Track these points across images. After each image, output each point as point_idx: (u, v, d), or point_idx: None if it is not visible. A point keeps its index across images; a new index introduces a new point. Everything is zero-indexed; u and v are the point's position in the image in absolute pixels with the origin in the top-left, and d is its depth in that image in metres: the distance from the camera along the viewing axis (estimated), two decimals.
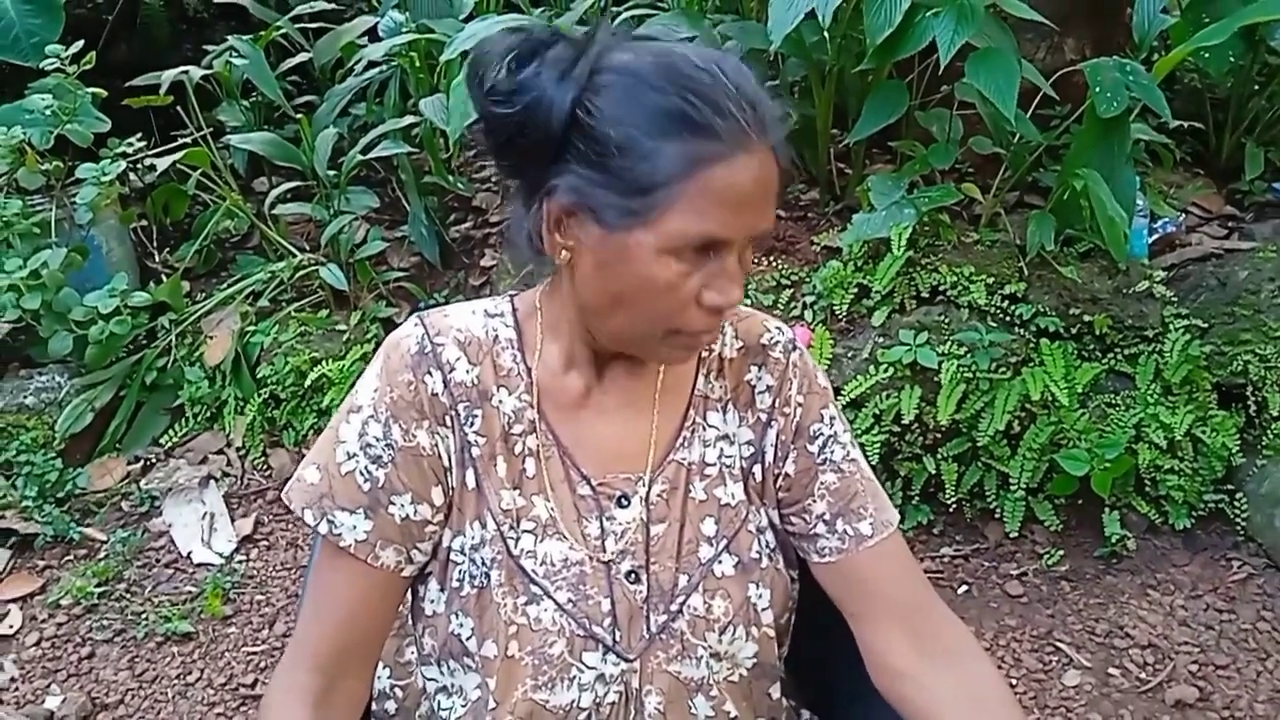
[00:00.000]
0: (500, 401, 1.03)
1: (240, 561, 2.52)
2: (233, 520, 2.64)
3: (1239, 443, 2.36)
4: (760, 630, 1.06)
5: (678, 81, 0.87)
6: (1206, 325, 2.40)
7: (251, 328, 2.96)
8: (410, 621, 1.11)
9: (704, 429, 1.09)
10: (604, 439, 1.06)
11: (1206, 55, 2.48)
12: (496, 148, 0.95)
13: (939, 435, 2.42)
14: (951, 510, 2.49)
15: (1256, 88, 2.93)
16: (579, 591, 1.01)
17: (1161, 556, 2.41)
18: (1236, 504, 2.39)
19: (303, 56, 3.47)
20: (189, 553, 2.54)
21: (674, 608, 1.03)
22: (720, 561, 1.06)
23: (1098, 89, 2.29)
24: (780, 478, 1.10)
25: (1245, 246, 2.53)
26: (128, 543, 2.55)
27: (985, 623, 2.28)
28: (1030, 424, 2.38)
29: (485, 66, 0.92)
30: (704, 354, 1.10)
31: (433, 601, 1.05)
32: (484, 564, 1.01)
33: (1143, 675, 2.13)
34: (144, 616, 2.35)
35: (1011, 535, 2.44)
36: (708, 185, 0.86)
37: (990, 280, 2.40)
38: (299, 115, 3.18)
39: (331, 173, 3.11)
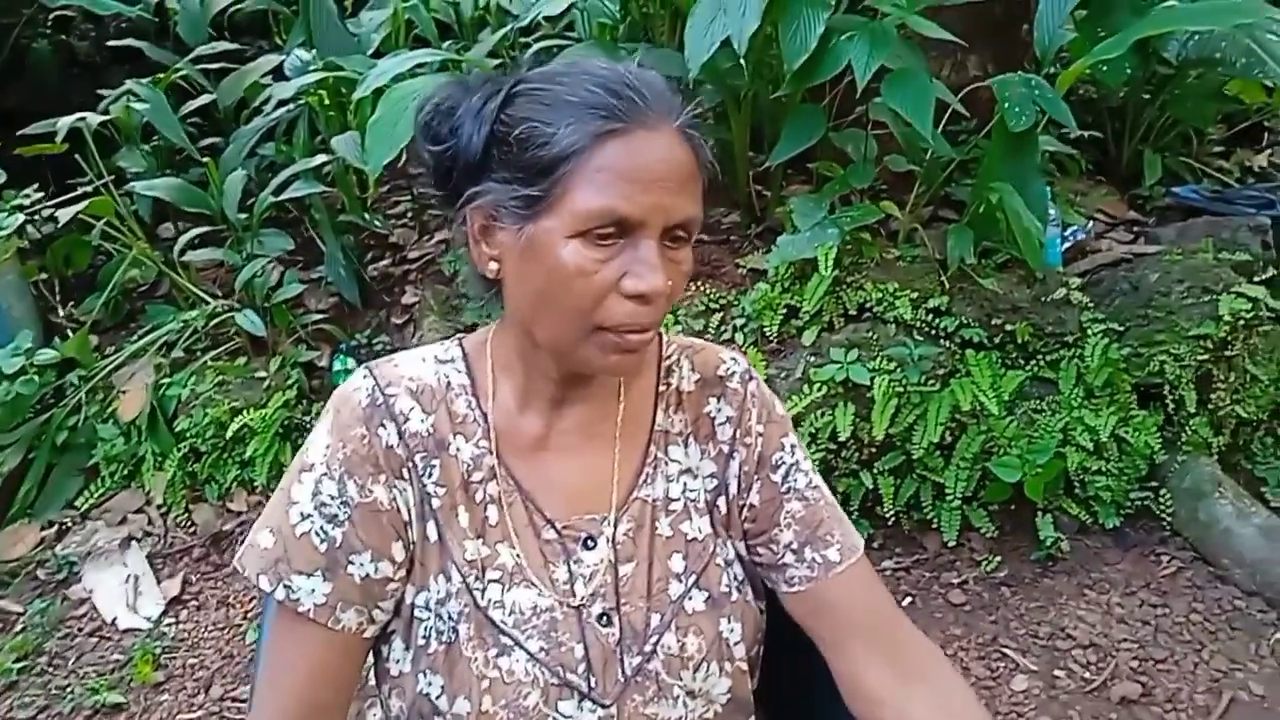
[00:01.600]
0: (458, 450, 1.01)
1: (169, 624, 2.42)
2: (158, 581, 2.53)
3: (1160, 440, 2.44)
4: (734, 665, 1.05)
5: (578, 76, 0.90)
6: (1123, 328, 2.47)
7: (166, 380, 2.86)
8: (375, 683, 1.07)
9: (666, 464, 1.07)
10: (566, 480, 1.04)
11: (1104, 68, 2.56)
12: (437, 184, 0.98)
13: (874, 450, 2.44)
14: (890, 523, 2.51)
15: (1147, 96, 3.04)
16: (551, 639, 0.99)
17: (1094, 556, 2.47)
18: (1161, 500, 2.47)
19: (205, 98, 3.39)
20: (114, 619, 2.43)
21: (647, 648, 1.01)
22: (690, 598, 1.04)
23: (1006, 104, 2.35)
24: (745, 509, 1.09)
25: (1152, 250, 2.63)
26: (47, 613, 2.43)
27: (931, 633, 2.29)
28: (961, 434, 2.42)
29: (424, 110, 0.96)
30: (661, 388, 1.09)
31: (398, 661, 1.01)
32: (451, 618, 0.98)
33: (1087, 675, 2.18)
34: (70, 690, 2.24)
35: (950, 544, 2.47)
36: (604, 159, 0.87)
37: (914, 295, 2.45)
38: (205, 159, 3.09)
39: (242, 216, 3.03)
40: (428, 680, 0.98)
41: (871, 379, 2.33)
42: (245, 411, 2.75)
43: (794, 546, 1.07)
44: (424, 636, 0.99)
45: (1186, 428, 2.47)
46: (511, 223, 0.91)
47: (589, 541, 1.03)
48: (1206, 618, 2.28)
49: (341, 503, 0.96)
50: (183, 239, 3.01)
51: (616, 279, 0.89)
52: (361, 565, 0.96)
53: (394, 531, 0.98)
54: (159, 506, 2.75)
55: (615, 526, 1.04)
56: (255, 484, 2.77)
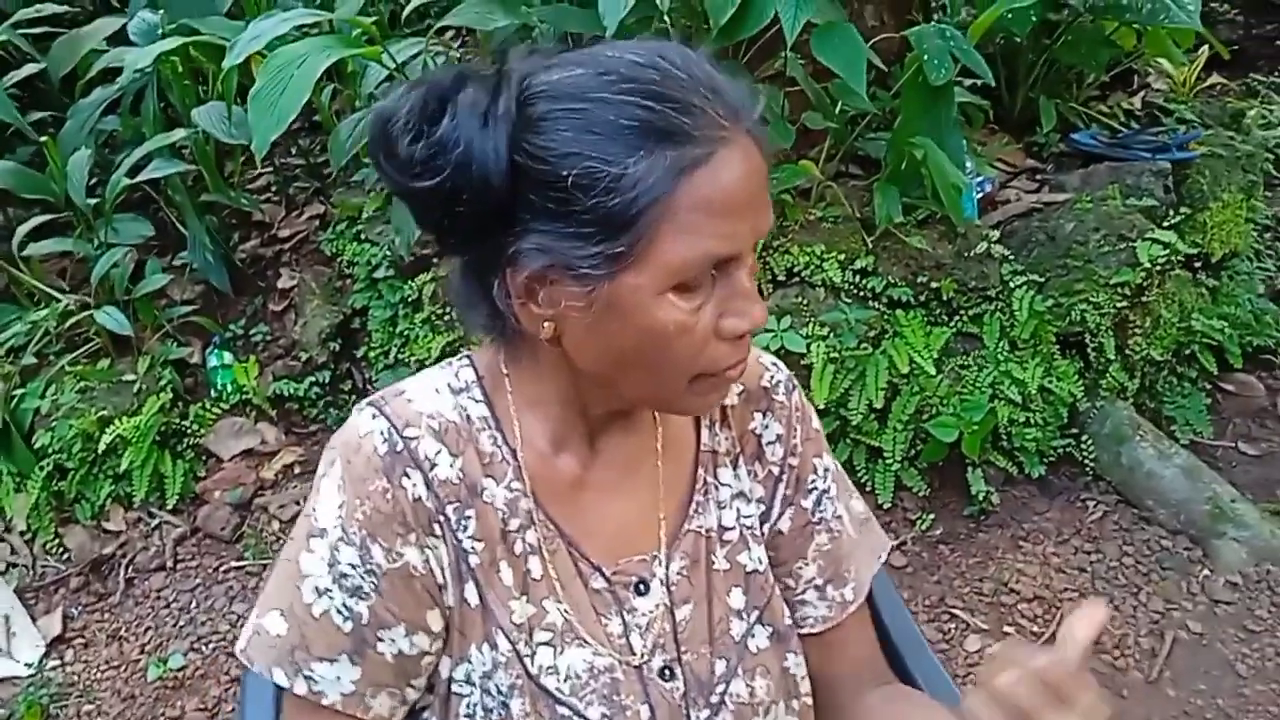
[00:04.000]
0: (492, 496, 0.86)
1: (54, 668, 2.16)
2: (34, 619, 2.25)
3: (1081, 388, 2.46)
4: (800, 701, 0.97)
5: (623, 87, 0.72)
6: (1043, 279, 2.47)
7: (19, 390, 2.54)
8: None
9: (717, 489, 0.96)
10: (610, 520, 0.92)
11: (1010, 15, 2.53)
12: (434, 226, 0.78)
13: None
14: None
15: (1020, 42, 2.99)
16: (613, 704, 0.87)
17: (1023, 506, 2.48)
18: (1083, 446, 2.50)
19: (31, 68, 3.00)
20: None
21: (714, 699, 0.91)
22: (753, 635, 0.94)
23: (925, 56, 2.29)
24: (773, 536, 0.99)
25: (1061, 199, 2.63)
26: None
27: None
28: (894, 396, 2.38)
29: (390, 136, 0.75)
30: None
31: None
32: (500, 692, 0.85)
33: (1035, 628, 2.19)
34: None
35: (885, 506, 2.44)
36: (692, 198, 0.71)
37: (841, 257, 2.38)
38: (41, 138, 2.74)
39: (90, 200, 2.71)
40: None
41: (807, 346, 2.26)
42: (116, 420, 2.48)
43: (817, 583, 0.99)
44: (467, 714, 0.85)
45: (1106, 374, 2.50)
46: (578, 283, 0.74)
47: (641, 586, 0.91)
48: (1138, 560, 2.33)
49: (366, 571, 0.81)
50: (21, 229, 2.67)
51: (715, 322, 0.76)
52: (394, 641, 0.82)
53: (429, 598, 0.83)
54: (23, 533, 2.46)
55: (668, 565, 0.92)
56: (134, 499, 2.50)
